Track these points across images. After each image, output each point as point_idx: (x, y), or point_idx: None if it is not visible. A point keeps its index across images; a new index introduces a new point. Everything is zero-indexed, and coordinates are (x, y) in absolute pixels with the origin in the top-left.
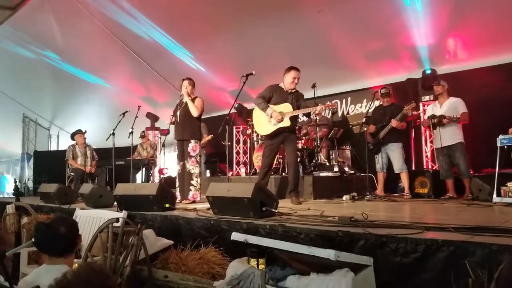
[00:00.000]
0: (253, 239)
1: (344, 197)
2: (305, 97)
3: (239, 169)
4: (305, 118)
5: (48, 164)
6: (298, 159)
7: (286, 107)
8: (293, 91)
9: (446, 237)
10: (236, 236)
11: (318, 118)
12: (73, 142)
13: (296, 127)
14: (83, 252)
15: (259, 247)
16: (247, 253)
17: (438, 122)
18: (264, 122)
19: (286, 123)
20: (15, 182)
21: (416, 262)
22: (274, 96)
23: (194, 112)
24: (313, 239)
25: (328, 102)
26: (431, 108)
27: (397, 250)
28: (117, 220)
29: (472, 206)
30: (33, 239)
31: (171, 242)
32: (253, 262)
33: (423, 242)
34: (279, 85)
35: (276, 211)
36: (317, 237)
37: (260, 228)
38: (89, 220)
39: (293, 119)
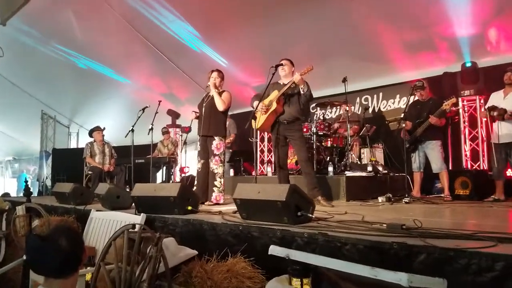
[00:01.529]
0: (297, 255)
1: (380, 199)
2: (336, 92)
3: (263, 168)
4: (332, 115)
5: (67, 162)
6: (328, 158)
7: (273, 95)
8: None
9: None
10: (274, 250)
11: (349, 114)
12: (91, 140)
13: (304, 122)
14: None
15: (304, 263)
16: (289, 270)
17: (498, 115)
18: (258, 116)
19: (273, 106)
20: (25, 181)
21: (493, 282)
22: (270, 93)
23: (220, 106)
24: (361, 251)
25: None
26: (494, 97)
27: (469, 267)
28: (133, 226)
29: None
30: (24, 257)
31: (195, 252)
32: (296, 282)
33: (502, 259)
34: (277, 82)
35: (313, 216)
36: (366, 249)
37: (297, 236)
38: (105, 222)
39: (289, 105)
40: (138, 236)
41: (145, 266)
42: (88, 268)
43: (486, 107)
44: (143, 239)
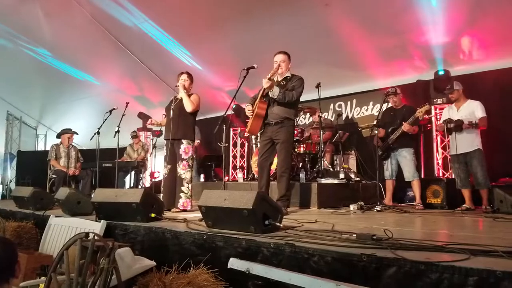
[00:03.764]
0: (258, 269)
1: (351, 207)
2: (309, 98)
3: (236, 174)
4: (306, 121)
5: (33, 165)
6: (301, 165)
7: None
8: (284, 77)
9: (504, 267)
10: (234, 263)
11: (322, 120)
12: (58, 141)
13: (297, 126)
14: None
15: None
16: (249, 286)
17: (455, 127)
18: (250, 118)
19: (255, 110)
20: None
21: None
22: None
23: (188, 107)
24: (329, 263)
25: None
26: (447, 112)
27: (441, 282)
28: (87, 235)
29: (499, 220)
30: None
31: (153, 263)
32: None
33: (476, 273)
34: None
35: (281, 225)
36: (334, 261)
37: (263, 247)
38: (64, 229)
39: (275, 105)
40: (91, 245)
41: (96, 279)
42: (43, 278)
43: (442, 120)
44: (100, 248)
